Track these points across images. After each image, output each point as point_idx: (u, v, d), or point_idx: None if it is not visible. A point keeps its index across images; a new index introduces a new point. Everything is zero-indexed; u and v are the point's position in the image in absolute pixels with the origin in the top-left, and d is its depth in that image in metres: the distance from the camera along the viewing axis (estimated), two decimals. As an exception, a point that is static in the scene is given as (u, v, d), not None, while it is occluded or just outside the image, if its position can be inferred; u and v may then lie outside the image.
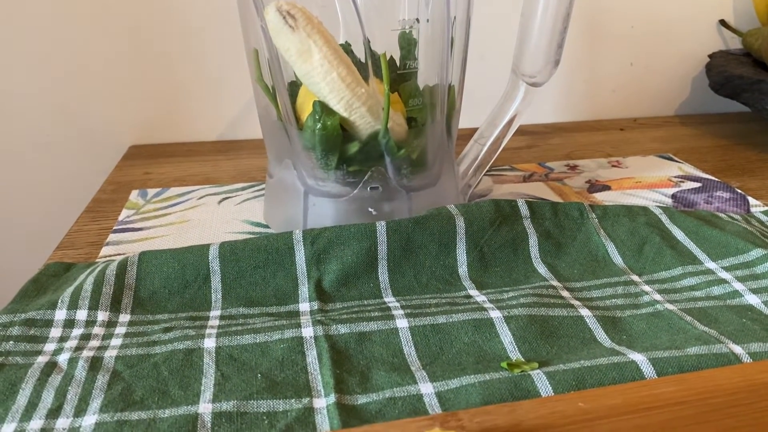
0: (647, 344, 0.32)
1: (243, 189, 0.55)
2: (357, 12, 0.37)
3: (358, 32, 0.39)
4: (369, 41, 0.38)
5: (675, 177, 0.57)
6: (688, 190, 0.54)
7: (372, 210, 0.42)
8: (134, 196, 0.54)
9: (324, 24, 0.38)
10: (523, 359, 0.31)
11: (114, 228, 0.47)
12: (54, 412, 0.28)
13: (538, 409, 0.26)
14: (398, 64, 0.40)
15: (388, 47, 0.39)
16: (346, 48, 0.40)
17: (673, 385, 0.29)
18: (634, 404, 0.27)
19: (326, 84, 0.37)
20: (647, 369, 0.30)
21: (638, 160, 0.62)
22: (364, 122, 0.39)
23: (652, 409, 0.27)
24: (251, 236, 0.45)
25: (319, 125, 0.39)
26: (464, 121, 0.47)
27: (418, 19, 0.39)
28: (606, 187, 0.55)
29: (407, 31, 0.40)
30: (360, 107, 0.38)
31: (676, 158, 0.62)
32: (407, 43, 0.40)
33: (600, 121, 0.75)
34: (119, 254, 0.43)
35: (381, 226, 0.39)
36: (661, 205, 0.49)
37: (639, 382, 0.29)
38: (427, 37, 0.40)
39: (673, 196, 0.53)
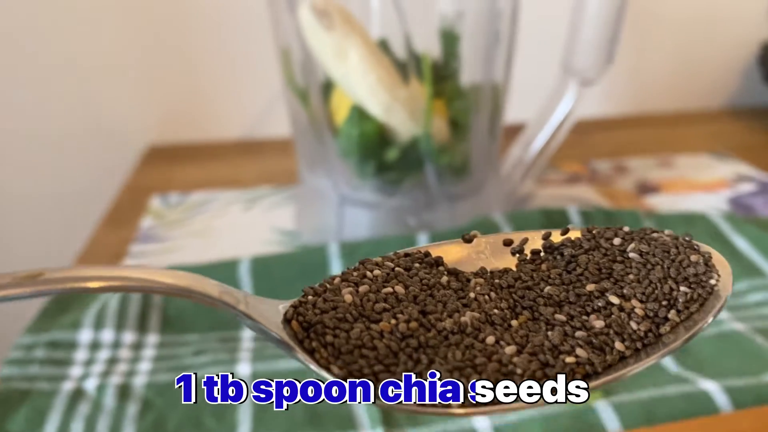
0: (718, 369, 0.29)
1: (270, 194, 0.52)
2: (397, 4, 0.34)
3: (395, 27, 0.36)
4: (409, 38, 0.35)
5: (730, 178, 0.53)
6: (746, 193, 0.50)
7: (411, 220, 0.39)
8: (156, 202, 0.52)
9: (357, 17, 0.35)
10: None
11: (136, 238, 0.46)
12: (81, 446, 0.27)
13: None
14: (440, 62, 0.37)
15: (429, 43, 0.36)
16: (383, 45, 0.37)
17: (752, 420, 0.26)
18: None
19: (364, 87, 0.35)
20: (721, 399, 0.27)
21: (689, 158, 0.58)
22: (403, 127, 0.36)
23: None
24: (282, 246, 0.43)
25: (356, 131, 0.36)
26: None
27: (460, 12, 0.37)
28: (657, 190, 0.51)
29: (449, 27, 0.37)
30: (400, 111, 0.36)
31: (729, 156, 0.58)
32: (449, 41, 0.37)
33: (644, 114, 0.72)
34: (146, 266, 0.41)
35: (422, 238, 0.36)
36: (721, 210, 0.46)
37: (716, 417, 0.26)
38: (471, 32, 0.37)
39: (730, 200, 0.49)
